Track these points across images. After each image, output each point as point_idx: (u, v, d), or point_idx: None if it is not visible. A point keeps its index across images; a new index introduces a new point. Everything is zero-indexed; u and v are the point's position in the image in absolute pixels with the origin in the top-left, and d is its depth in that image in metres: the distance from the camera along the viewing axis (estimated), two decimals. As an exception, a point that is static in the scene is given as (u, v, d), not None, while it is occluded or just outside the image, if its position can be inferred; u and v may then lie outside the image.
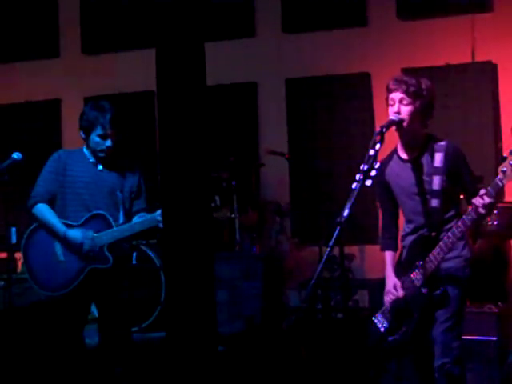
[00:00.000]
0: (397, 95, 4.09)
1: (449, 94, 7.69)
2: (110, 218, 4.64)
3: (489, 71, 7.85)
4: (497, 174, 3.75)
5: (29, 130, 9.25)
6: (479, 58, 7.87)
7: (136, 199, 4.81)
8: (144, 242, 7.13)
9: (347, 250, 7.29)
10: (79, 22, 9.20)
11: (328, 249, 3.45)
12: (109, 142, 4.66)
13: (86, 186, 4.69)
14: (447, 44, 7.93)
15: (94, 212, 4.65)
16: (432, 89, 4.15)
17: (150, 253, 7.01)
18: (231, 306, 6.62)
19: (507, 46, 7.75)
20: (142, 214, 4.79)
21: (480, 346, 5.54)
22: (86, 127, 4.68)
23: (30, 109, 9.36)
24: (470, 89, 7.89)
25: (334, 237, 3.47)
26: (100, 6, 9.05)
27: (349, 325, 6.12)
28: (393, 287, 4.21)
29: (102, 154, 4.70)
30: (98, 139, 4.65)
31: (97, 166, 4.74)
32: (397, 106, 4.08)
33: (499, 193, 3.80)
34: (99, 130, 4.63)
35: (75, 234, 4.63)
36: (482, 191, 3.79)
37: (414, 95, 4.06)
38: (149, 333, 6.61)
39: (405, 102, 4.07)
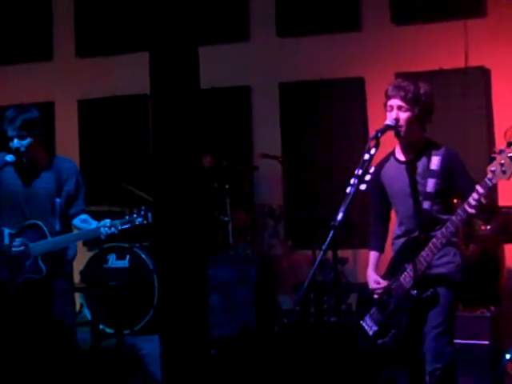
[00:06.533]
0: (395, 102, 4.08)
1: (442, 99, 7.69)
2: (45, 229, 4.54)
3: (482, 76, 7.87)
4: (486, 174, 3.75)
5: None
6: (472, 63, 7.88)
7: (74, 201, 4.71)
8: (137, 244, 7.12)
9: (341, 253, 7.28)
10: (73, 24, 9.19)
11: (321, 252, 3.46)
12: (15, 143, 4.62)
13: (21, 193, 4.61)
14: (440, 49, 7.93)
15: (30, 222, 4.56)
16: (430, 93, 4.14)
17: (143, 255, 7.00)
18: (224, 310, 6.61)
19: (500, 50, 7.76)
20: (82, 216, 4.71)
21: (473, 350, 5.56)
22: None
23: (23, 111, 9.32)
24: (463, 93, 7.89)
25: (328, 240, 3.48)
26: (94, 8, 9.05)
27: (342, 328, 6.12)
28: (375, 283, 4.25)
29: (18, 158, 4.63)
30: (10, 144, 4.65)
31: (32, 172, 4.66)
32: (395, 113, 4.07)
33: (489, 193, 3.79)
34: (8, 134, 4.65)
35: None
36: (478, 187, 3.77)
37: (412, 102, 4.05)
38: (141, 335, 6.60)
39: (403, 108, 4.06)
